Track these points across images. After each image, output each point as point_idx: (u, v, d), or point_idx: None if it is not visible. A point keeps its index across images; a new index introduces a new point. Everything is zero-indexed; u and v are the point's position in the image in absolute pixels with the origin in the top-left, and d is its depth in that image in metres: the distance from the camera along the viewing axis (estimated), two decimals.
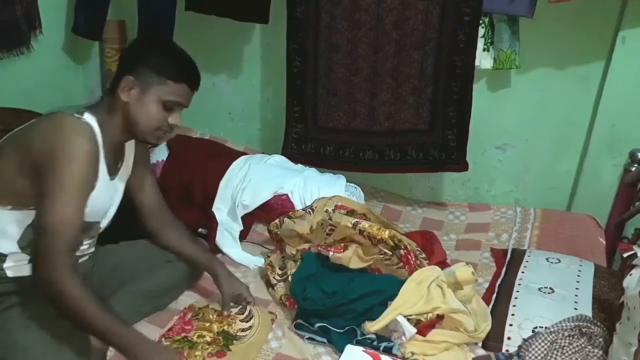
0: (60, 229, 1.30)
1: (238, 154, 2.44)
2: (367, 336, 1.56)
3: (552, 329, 1.56)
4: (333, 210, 1.87)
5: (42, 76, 2.70)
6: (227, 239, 2.09)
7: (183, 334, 1.56)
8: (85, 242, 1.52)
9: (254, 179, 2.23)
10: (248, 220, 2.20)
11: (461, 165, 2.32)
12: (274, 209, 2.18)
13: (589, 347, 1.53)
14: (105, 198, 1.49)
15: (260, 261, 1.99)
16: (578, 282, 1.78)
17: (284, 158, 2.44)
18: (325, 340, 1.61)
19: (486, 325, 1.64)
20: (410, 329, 1.53)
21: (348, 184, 2.34)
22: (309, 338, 1.62)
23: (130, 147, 1.59)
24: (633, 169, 2.20)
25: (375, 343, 1.54)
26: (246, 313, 1.67)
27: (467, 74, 2.18)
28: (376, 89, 2.28)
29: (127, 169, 1.60)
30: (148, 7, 2.50)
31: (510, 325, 1.64)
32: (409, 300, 1.57)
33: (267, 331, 1.64)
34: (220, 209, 2.22)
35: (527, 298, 1.73)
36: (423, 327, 1.56)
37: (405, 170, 2.46)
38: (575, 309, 1.64)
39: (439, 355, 1.55)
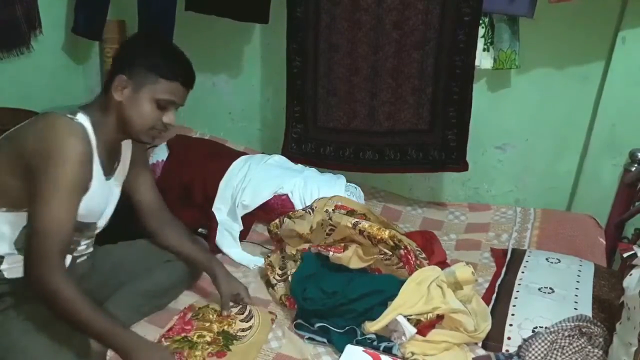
0: (53, 230, 1.29)
1: (238, 154, 2.44)
2: (367, 336, 1.56)
3: (552, 329, 1.56)
4: (333, 210, 1.87)
5: (42, 76, 2.70)
6: (227, 239, 2.09)
7: (183, 334, 1.56)
8: (83, 243, 1.52)
9: (254, 179, 2.23)
10: (248, 220, 2.20)
11: (461, 165, 2.32)
12: (274, 209, 2.18)
13: (589, 347, 1.53)
14: (100, 198, 1.48)
15: (260, 261, 1.99)
16: (578, 282, 1.78)
17: (284, 158, 2.44)
18: (325, 340, 1.61)
19: (486, 325, 1.64)
20: (410, 329, 1.53)
21: (348, 184, 2.34)
22: (309, 338, 1.62)
23: (127, 146, 1.59)
24: (633, 169, 2.20)
25: (375, 343, 1.54)
26: (246, 313, 1.67)
27: (467, 74, 2.18)
28: (376, 89, 2.28)
29: (123, 169, 1.59)
30: (148, 7, 2.51)
31: (510, 325, 1.64)
32: (409, 300, 1.57)
33: (267, 331, 1.64)
34: (220, 209, 2.22)
35: (527, 298, 1.73)
36: (423, 327, 1.56)
37: (405, 170, 2.46)
38: (575, 309, 1.64)
39: (439, 355, 1.55)
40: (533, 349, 1.51)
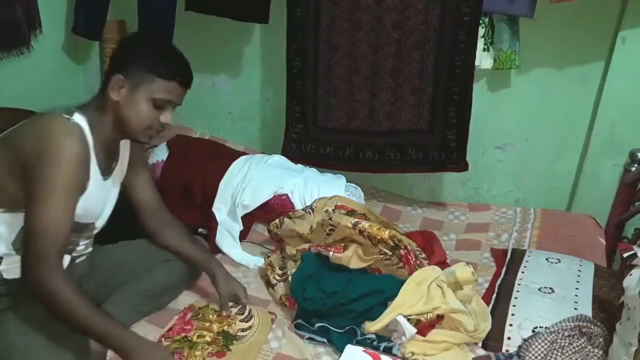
0: (50, 230, 1.29)
1: (238, 154, 2.44)
2: (367, 336, 1.56)
3: (552, 329, 1.56)
4: (333, 210, 1.87)
5: (42, 76, 2.70)
6: (227, 239, 2.09)
7: (183, 334, 1.56)
8: (81, 243, 1.52)
9: (254, 179, 2.23)
10: (248, 220, 2.20)
11: (461, 165, 2.32)
12: (274, 209, 2.18)
13: (589, 347, 1.53)
14: (98, 199, 1.47)
15: (260, 261, 1.99)
16: (578, 282, 1.78)
17: (284, 158, 2.44)
18: (325, 340, 1.61)
19: (486, 325, 1.64)
20: (410, 329, 1.53)
21: (348, 184, 2.34)
22: (309, 338, 1.62)
23: (125, 146, 1.58)
24: (633, 169, 2.20)
25: (375, 343, 1.54)
26: (246, 313, 1.67)
27: (467, 74, 2.18)
28: (376, 89, 2.28)
29: (122, 169, 1.59)
30: (148, 7, 2.50)
31: (510, 325, 1.64)
32: (409, 300, 1.57)
33: (267, 331, 1.64)
34: (220, 209, 2.22)
35: (527, 298, 1.73)
36: (423, 327, 1.56)
37: (405, 170, 2.46)
38: (575, 309, 1.64)
39: (439, 355, 1.55)
40: (533, 349, 1.51)
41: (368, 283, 1.67)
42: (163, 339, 1.55)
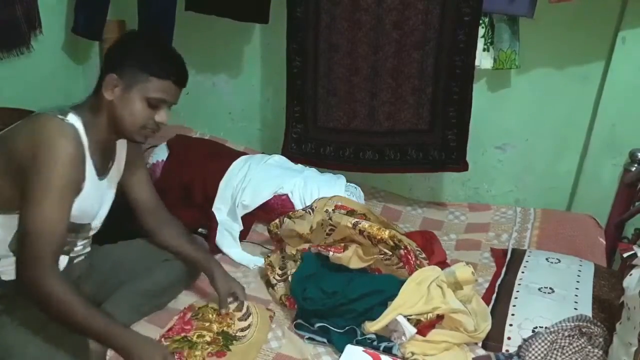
0: (45, 231, 1.28)
1: (238, 154, 2.44)
2: (367, 336, 1.56)
3: (552, 329, 1.56)
4: (333, 210, 1.87)
5: (42, 76, 2.70)
6: (227, 239, 2.09)
7: (183, 334, 1.56)
8: (79, 243, 1.52)
9: (254, 179, 2.23)
10: (248, 220, 2.20)
11: (461, 165, 2.32)
12: (274, 209, 2.18)
13: (589, 347, 1.53)
14: (94, 199, 1.46)
15: (260, 261, 1.99)
16: (578, 282, 1.78)
17: (284, 158, 2.44)
18: (325, 340, 1.61)
19: (486, 325, 1.64)
20: (410, 329, 1.53)
21: (348, 184, 2.34)
22: (309, 338, 1.62)
23: (122, 146, 1.57)
24: (633, 169, 2.20)
25: (375, 343, 1.54)
26: (244, 310, 1.66)
27: (467, 74, 2.18)
28: (376, 89, 2.28)
29: (118, 169, 1.58)
30: (148, 7, 2.50)
31: (510, 325, 1.64)
32: (409, 300, 1.57)
33: (266, 329, 1.64)
34: (220, 209, 2.22)
35: (527, 298, 1.73)
36: (423, 327, 1.56)
37: (405, 170, 2.46)
38: (575, 309, 1.64)
39: (439, 355, 1.55)
40: (533, 349, 1.51)
41: (368, 283, 1.67)
42: (163, 339, 1.55)
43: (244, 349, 1.55)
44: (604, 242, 2.16)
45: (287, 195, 2.21)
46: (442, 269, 1.70)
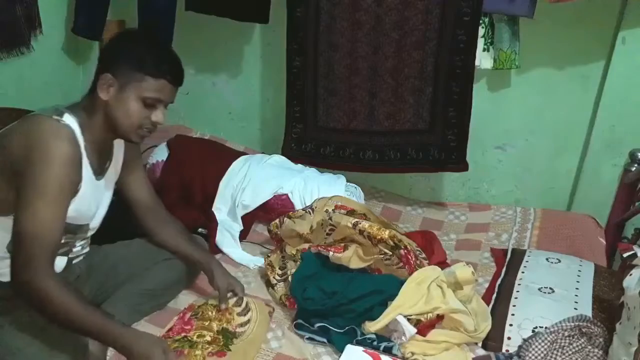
0: (40, 233, 1.27)
1: (238, 154, 2.44)
2: (367, 336, 1.56)
3: (552, 329, 1.56)
4: (333, 210, 1.87)
5: (42, 76, 2.70)
6: (227, 239, 2.09)
7: (183, 334, 1.56)
8: (78, 244, 1.51)
9: (254, 179, 2.23)
10: (248, 220, 2.20)
11: (461, 165, 2.32)
12: (274, 209, 2.18)
13: (589, 347, 1.53)
14: (91, 199, 1.46)
15: (260, 261, 1.99)
16: (578, 282, 1.78)
17: (284, 158, 2.44)
18: (325, 340, 1.61)
19: (486, 325, 1.64)
20: (410, 329, 1.53)
21: (348, 184, 2.34)
22: (309, 338, 1.62)
23: (119, 145, 1.56)
24: (633, 169, 2.20)
25: (375, 343, 1.54)
26: (243, 306, 1.65)
27: (467, 74, 2.18)
28: (376, 89, 2.28)
29: (116, 169, 1.57)
30: (148, 7, 2.50)
31: (510, 325, 1.64)
32: (409, 300, 1.57)
33: (265, 325, 1.64)
34: (220, 209, 2.22)
35: (527, 298, 1.73)
36: (423, 327, 1.56)
37: (406, 170, 2.46)
38: (575, 309, 1.64)
39: (439, 355, 1.55)
40: (533, 349, 1.51)
41: (368, 283, 1.67)
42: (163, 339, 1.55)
43: (244, 349, 1.54)
44: (604, 242, 2.16)
45: (287, 195, 2.21)
46: (442, 269, 1.70)
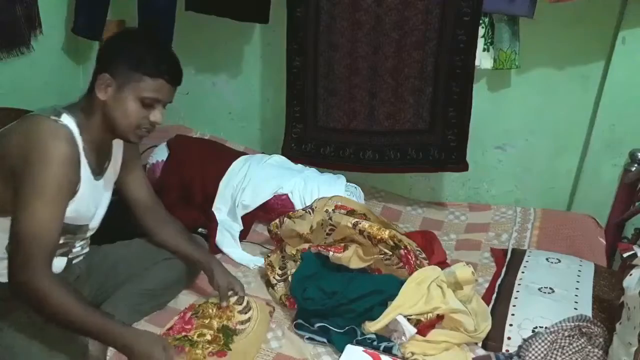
0: (37, 234, 1.26)
1: (238, 154, 2.44)
2: (367, 336, 1.56)
3: (552, 329, 1.56)
4: (333, 210, 1.87)
5: (42, 76, 2.70)
6: (227, 239, 2.09)
7: (183, 334, 1.56)
8: (77, 244, 1.51)
9: (254, 179, 2.23)
10: (248, 220, 2.20)
11: (461, 165, 2.32)
12: (274, 209, 2.18)
13: (589, 347, 1.53)
14: (90, 200, 1.45)
15: (260, 261, 1.99)
16: (578, 282, 1.78)
17: (284, 158, 2.44)
18: (325, 340, 1.61)
19: (486, 325, 1.64)
20: (410, 329, 1.53)
21: (348, 184, 2.34)
22: (309, 338, 1.62)
23: (118, 145, 1.56)
24: (633, 169, 2.20)
25: (375, 343, 1.54)
26: (244, 304, 1.65)
27: (467, 74, 2.18)
28: (376, 89, 2.28)
29: (115, 168, 1.57)
30: (148, 7, 2.50)
31: (510, 325, 1.64)
32: (409, 300, 1.57)
33: (266, 324, 1.64)
34: (220, 209, 2.22)
35: (527, 298, 1.73)
36: (423, 327, 1.56)
37: (406, 170, 2.46)
38: (575, 309, 1.64)
39: (438, 355, 1.55)
40: (533, 349, 1.51)
41: (368, 283, 1.67)
42: (163, 336, 1.54)
43: (244, 348, 1.54)
44: (604, 242, 2.16)
45: (287, 195, 2.21)
46: (442, 269, 1.70)
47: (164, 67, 1.40)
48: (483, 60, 2.24)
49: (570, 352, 1.50)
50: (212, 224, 2.12)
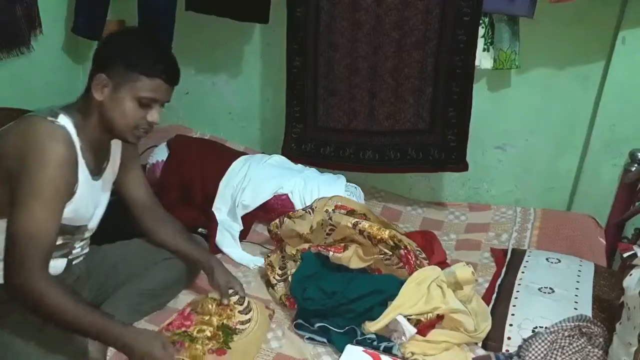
0: (34, 235, 1.26)
1: (238, 154, 2.44)
2: (367, 336, 1.56)
3: (552, 329, 1.56)
4: (333, 210, 1.87)
5: (42, 76, 2.70)
6: (227, 239, 2.09)
7: (182, 329, 1.55)
8: (77, 245, 1.51)
9: (254, 179, 2.23)
10: (248, 220, 2.20)
11: (461, 165, 2.32)
12: (274, 209, 2.18)
13: (589, 347, 1.53)
14: (89, 200, 1.45)
15: (260, 261, 1.99)
16: (578, 282, 1.78)
17: (283, 158, 2.44)
18: (325, 340, 1.61)
19: (486, 325, 1.64)
20: (410, 329, 1.53)
21: (348, 184, 2.34)
22: (309, 338, 1.62)
23: (116, 145, 1.55)
24: (633, 169, 2.20)
25: (375, 343, 1.54)
26: (245, 305, 1.64)
27: (467, 74, 2.18)
28: (376, 89, 2.28)
29: (113, 168, 1.56)
30: (148, 7, 2.50)
31: (510, 325, 1.64)
32: (409, 300, 1.57)
33: (266, 326, 1.64)
34: (220, 209, 2.22)
35: (527, 298, 1.73)
36: (423, 327, 1.56)
37: (406, 170, 2.46)
38: (575, 309, 1.64)
39: (438, 355, 1.55)
40: (533, 349, 1.51)
41: (368, 283, 1.67)
42: (163, 331, 1.54)
43: (244, 348, 1.54)
44: (604, 242, 2.16)
45: (287, 195, 2.21)
46: (442, 269, 1.70)
47: (160, 66, 1.39)
48: (483, 60, 2.24)
49: (570, 352, 1.50)
50: (212, 224, 2.12)
